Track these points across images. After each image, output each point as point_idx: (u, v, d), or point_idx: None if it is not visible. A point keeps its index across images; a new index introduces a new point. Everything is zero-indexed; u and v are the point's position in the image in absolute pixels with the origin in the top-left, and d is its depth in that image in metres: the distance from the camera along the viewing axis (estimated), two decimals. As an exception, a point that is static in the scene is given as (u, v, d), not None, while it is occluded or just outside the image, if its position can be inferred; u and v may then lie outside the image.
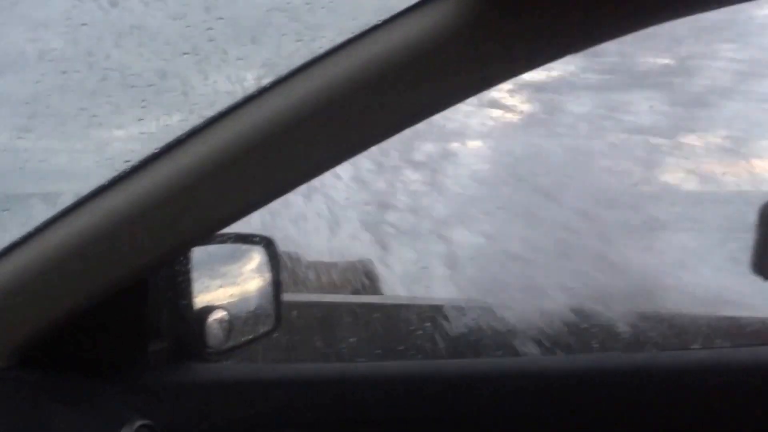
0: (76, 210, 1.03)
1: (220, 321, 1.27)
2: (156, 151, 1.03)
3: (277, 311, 1.38)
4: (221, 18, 1.06)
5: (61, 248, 1.02)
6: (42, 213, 1.05)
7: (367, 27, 0.93)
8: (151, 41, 1.08)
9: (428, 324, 4.00)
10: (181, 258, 1.22)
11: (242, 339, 1.33)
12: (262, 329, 1.39)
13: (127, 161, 1.05)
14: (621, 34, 0.93)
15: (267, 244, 1.36)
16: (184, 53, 1.07)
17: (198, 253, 1.23)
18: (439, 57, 0.91)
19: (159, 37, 1.08)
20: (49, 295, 1.04)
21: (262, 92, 0.97)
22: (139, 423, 0.98)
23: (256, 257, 1.35)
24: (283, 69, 0.96)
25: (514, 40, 0.91)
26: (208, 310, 1.25)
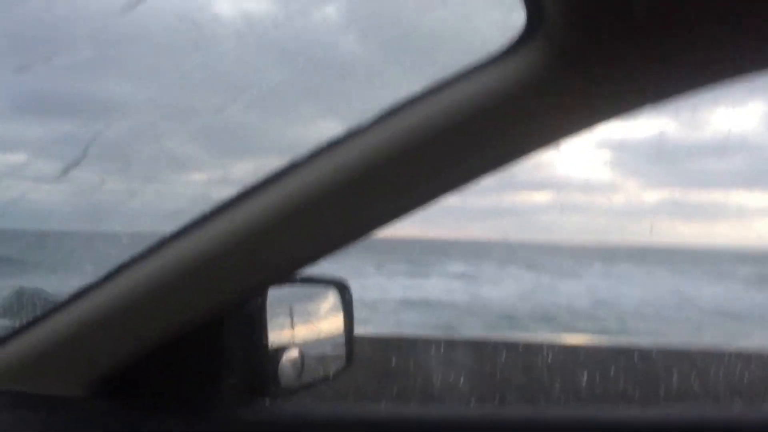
0: (158, 249, 1.08)
1: (293, 360, 1.29)
2: (236, 193, 1.07)
3: (349, 351, 1.39)
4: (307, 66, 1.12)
5: (143, 285, 1.07)
6: (125, 251, 1.10)
7: (446, 79, 0.97)
8: (239, 90, 1.14)
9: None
10: (257, 297, 1.25)
11: (314, 378, 1.35)
12: (334, 368, 1.40)
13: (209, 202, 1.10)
14: (699, 88, 0.91)
15: (341, 286, 1.38)
16: (269, 101, 1.12)
17: (273, 292, 1.26)
18: (513, 107, 0.93)
19: (247, 86, 1.14)
20: (129, 330, 1.09)
21: (343, 140, 1.01)
22: None
23: (330, 298, 1.37)
24: (366, 116, 1.00)
25: (588, 92, 0.92)
26: (282, 348, 1.27)
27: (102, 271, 1.12)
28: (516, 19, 0.91)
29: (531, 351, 4.15)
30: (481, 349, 4.39)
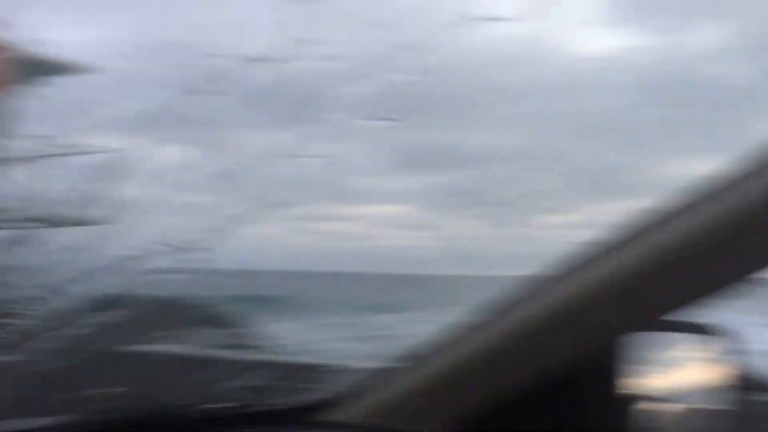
0: (523, 297, 1.11)
1: (650, 413, 1.18)
2: (608, 237, 1.04)
3: (732, 409, 1.21)
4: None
5: (508, 331, 1.11)
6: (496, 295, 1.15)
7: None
8: (608, 130, 1.12)
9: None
10: (617, 345, 1.19)
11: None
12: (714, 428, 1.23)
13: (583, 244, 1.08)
14: None
15: (711, 333, 1.23)
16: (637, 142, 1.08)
17: (634, 339, 1.19)
18: None
19: (616, 125, 1.11)
20: (490, 377, 1.14)
21: (737, 173, 0.91)
22: None
23: (698, 346, 1.23)
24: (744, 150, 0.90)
25: None
26: (645, 402, 1.18)
27: (465, 314, 1.19)
28: None
29: None
30: None
